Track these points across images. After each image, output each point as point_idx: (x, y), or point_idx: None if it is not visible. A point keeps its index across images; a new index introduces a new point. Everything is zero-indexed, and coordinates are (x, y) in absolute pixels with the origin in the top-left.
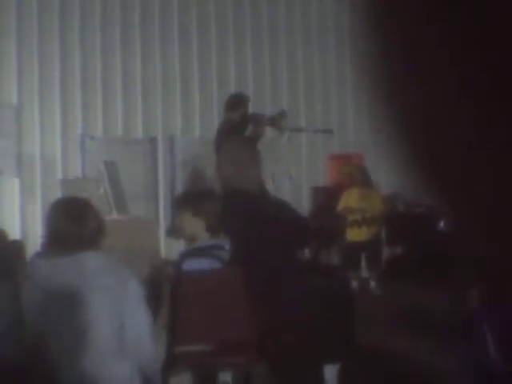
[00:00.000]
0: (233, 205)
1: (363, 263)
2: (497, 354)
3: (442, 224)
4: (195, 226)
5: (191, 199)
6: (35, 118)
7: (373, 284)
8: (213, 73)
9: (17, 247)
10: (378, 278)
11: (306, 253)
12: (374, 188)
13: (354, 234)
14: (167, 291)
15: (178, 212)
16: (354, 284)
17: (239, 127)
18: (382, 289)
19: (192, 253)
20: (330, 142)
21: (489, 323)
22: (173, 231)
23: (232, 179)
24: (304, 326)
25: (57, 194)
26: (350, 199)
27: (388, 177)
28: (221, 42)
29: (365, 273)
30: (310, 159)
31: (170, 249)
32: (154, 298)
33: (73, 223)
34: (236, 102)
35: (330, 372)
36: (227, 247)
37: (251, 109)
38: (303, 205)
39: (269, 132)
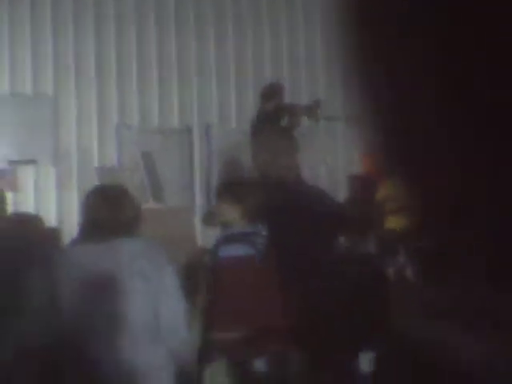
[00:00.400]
0: (269, 193)
1: (401, 251)
2: None
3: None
4: (232, 212)
5: (229, 187)
6: (71, 108)
7: (409, 271)
8: (248, 63)
9: (53, 234)
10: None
11: (343, 240)
12: None
13: (392, 222)
14: (203, 279)
15: (217, 200)
16: (391, 271)
17: (274, 117)
18: (423, 277)
19: (228, 239)
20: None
21: None
22: (209, 219)
23: (268, 167)
24: (340, 314)
25: (93, 182)
26: (389, 187)
27: None
28: (256, 33)
29: (402, 259)
30: (346, 148)
31: (206, 237)
32: (190, 286)
33: (109, 210)
34: (271, 92)
35: (366, 360)
36: (264, 233)
37: (287, 98)
38: (340, 193)
39: (305, 122)
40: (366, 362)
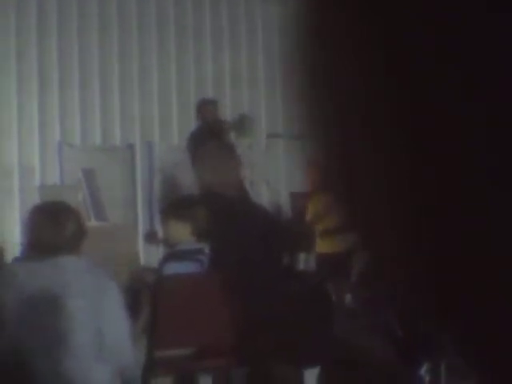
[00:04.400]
0: (213, 210)
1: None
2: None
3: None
4: (180, 230)
5: (177, 205)
6: (13, 125)
7: (348, 297)
8: (190, 80)
9: None
10: (354, 283)
11: (287, 258)
12: None
13: (326, 245)
14: (147, 296)
15: (165, 218)
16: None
17: (213, 132)
18: (357, 295)
19: (173, 256)
20: (308, 147)
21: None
22: (151, 237)
23: (211, 184)
24: (283, 329)
25: (35, 200)
26: (318, 205)
27: None
28: (198, 48)
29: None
30: (288, 165)
31: (148, 255)
32: (133, 304)
33: (53, 227)
34: (206, 107)
35: (310, 376)
36: (206, 251)
37: (229, 113)
38: (282, 211)
39: (234, 138)
40: (312, 377)
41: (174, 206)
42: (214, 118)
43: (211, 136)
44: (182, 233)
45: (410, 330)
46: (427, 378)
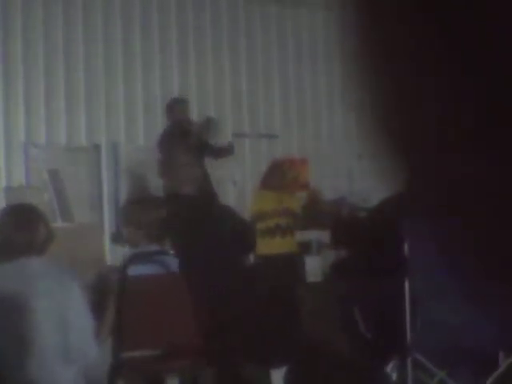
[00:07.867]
0: (176, 210)
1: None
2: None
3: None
4: (136, 233)
5: (131, 208)
6: None
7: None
8: (156, 80)
9: None
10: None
11: (252, 256)
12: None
13: (265, 246)
14: (112, 297)
15: (121, 221)
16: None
17: (180, 132)
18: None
19: (136, 257)
20: (274, 146)
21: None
22: (118, 238)
23: (173, 184)
24: (251, 330)
25: (0, 202)
26: (263, 202)
27: (333, 182)
28: (163, 47)
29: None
30: (255, 164)
31: (114, 255)
32: (99, 304)
33: (25, 230)
34: (176, 107)
35: (277, 375)
36: (172, 252)
37: (195, 113)
38: (248, 210)
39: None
40: (279, 376)
41: (128, 209)
42: (183, 117)
43: (179, 137)
44: (135, 236)
45: (376, 328)
46: (394, 375)
